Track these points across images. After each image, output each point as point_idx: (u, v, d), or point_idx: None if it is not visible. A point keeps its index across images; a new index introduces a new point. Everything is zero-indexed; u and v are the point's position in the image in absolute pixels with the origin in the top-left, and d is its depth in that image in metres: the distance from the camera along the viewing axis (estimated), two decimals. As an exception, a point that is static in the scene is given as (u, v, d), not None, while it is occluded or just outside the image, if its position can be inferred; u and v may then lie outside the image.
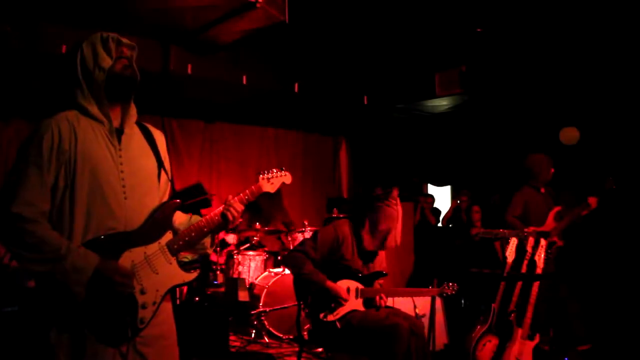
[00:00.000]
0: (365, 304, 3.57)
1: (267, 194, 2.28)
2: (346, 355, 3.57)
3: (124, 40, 1.99)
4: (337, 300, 3.47)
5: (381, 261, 3.80)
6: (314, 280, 3.48)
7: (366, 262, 3.68)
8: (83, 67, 1.93)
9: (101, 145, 1.91)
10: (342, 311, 3.49)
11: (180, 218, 2.14)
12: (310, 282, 3.50)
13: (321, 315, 3.47)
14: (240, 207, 2.11)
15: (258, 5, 4.06)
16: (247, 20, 4.41)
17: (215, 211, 2.11)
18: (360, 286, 3.57)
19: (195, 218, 2.14)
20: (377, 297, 3.57)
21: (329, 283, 3.48)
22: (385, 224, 3.58)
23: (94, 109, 1.93)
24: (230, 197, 2.14)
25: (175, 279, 2.01)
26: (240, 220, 2.17)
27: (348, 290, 3.54)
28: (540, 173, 4.89)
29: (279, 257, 5.99)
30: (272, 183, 2.28)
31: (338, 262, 3.59)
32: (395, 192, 3.71)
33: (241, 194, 2.17)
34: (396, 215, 3.63)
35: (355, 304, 3.53)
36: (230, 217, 2.08)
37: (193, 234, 2.05)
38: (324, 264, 3.58)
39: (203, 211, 2.19)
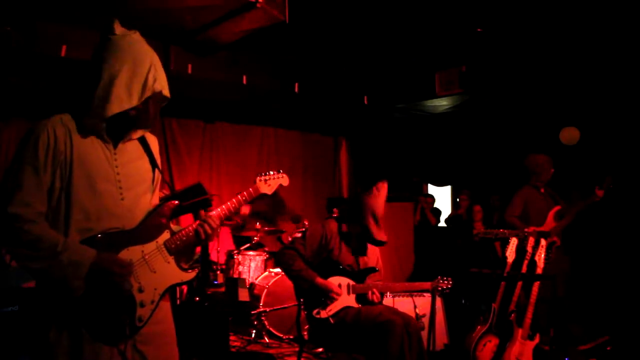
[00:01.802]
0: (359, 300, 3.58)
1: (270, 196, 2.32)
2: (345, 355, 3.58)
3: (164, 92, 1.93)
4: (328, 296, 3.49)
5: (374, 256, 3.80)
6: (303, 276, 3.52)
7: (357, 257, 3.69)
8: (107, 87, 1.85)
9: (96, 148, 1.92)
10: (334, 308, 3.50)
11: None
12: (300, 279, 3.54)
13: (314, 312, 3.49)
14: (215, 224, 2.08)
15: (258, 5, 4.06)
16: (247, 20, 4.41)
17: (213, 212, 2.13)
18: (352, 282, 3.59)
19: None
20: (370, 293, 3.58)
21: (319, 280, 3.50)
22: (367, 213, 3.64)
23: (92, 120, 1.89)
24: (202, 213, 2.12)
25: (174, 278, 2.02)
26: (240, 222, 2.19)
27: (339, 286, 3.55)
28: (541, 173, 4.90)
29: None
30: (269, 185, 2.33)
31: (329, 259, 3.63)
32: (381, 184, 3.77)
33: (239, 196, 2.21)
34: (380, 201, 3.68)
35: (347, 300, 3.55)
36: (202, 235, 2.05)
37: (191, 234, 2.06)
38: (315, 261, 3.61)
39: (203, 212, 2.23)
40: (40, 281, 1.85)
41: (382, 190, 3.71)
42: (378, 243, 3.72)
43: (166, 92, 1.95)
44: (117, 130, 1.95)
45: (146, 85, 1.88)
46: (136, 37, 1.94)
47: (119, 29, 1.92)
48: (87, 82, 1.88)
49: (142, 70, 1.87)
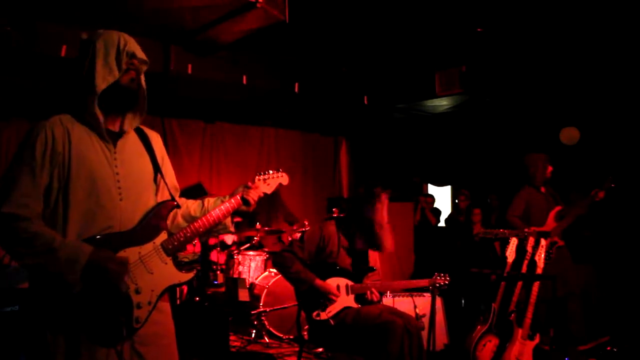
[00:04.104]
0: (358, 300, 3.58)
1: (267, 195, 2.31)
2: (345, 355, 3.58)
3: (138, 54, 1.98)
4: (327, 298, 3.48)
5: (373, 256, 3.79)
6: (302, 279, 3.50)
7: (355, 260, 3.68)
8: (90, 71, 1.92)
9: (96, 148, 1.93)
10: (334, 309, 3.50)
11: (193, 205, 2.18)
12: (298, 281, 3.53)
13: (314, 314, 3.49)
14: (257, 194, 2.24)
15: (258, 5, 4.05)
16: (247, 20, 4.40)
17: (212, 211, 2.13)
18: (350, 283, 3.58)
19: (208, 202, 2.17)
20: (368, 292, 3.58)
21: (318, 281, 3.50)
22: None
23: (91, 113, 1.92)
24: (250, 183, 2.26)
25: (171, 279, 2.02)
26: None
27: (338, 287, 3.54)
28: (536, 172, 4.91)
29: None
30: (268, 184, 2.32)
31: (326, 261, 3.61)
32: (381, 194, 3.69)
33: (237, 195, 2.21)
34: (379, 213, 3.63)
35: (347, 300, 3.54)
36: (252, 201, 2.21)
37: (189, 234, 2.06)
38: (313, 263, 3.60)
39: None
40: (36, 278, 1.85)
41: (384, 201, 3.69)
42: (380, 248, 3.69)
43: (140, 54, 1.99)
44: (117, 109, 1.97)
45: (119, 52, 1.94)
46: (101, 30, 2.01)
47: (85, 34, 2.01)
48: (77, 81, 1.95)
49: (112, 42, 1.94)
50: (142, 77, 2.02)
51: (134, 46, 1.98)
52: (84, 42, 1.97)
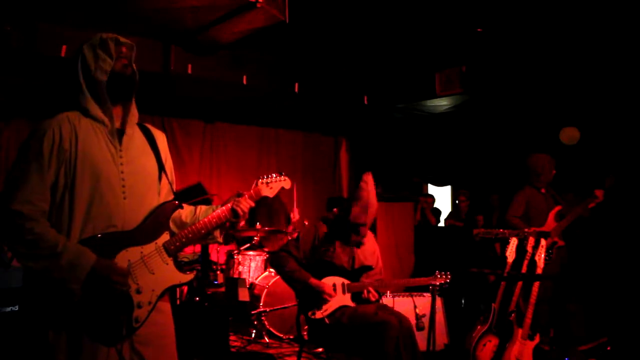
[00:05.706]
0: (354, 299, 3.58)
1: (269, 198, 2.31)
2: (343, 355, 3.58)
3: (123, 40, 2.00)
4: (322, 297, 3.48)
5: (374, 256, 3.79)
6: (297, 278, 3.51)
7: (352, 254, 3.67)
8: (84, 69, 1.95)
9: (102, 146, 1.93)
10: (329, 308, 3.50)
11: (185, 211, 2.17)
12: (293, 280, 3.54)
13: (309, 313, 3.49)
14: (248, 204, 2.17)
15: (258, 5, 4.06)
16: (247, 20, 4.41)
17: (214, 213, 2.13)
18: (347, 281, 3.58)
19: (200, 210, 2.16)
20: (365, 292, 3.57)
21: (313, 280, 3.50)
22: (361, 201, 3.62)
23: (96, 110, 1.94)
24: (245, 192, 2.22)
25: (172, 280, 2.02)
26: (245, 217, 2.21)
27: (334, 286, 3.54)
28: (542, 173, 4.87)
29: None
30: (271, 187, 2.31)
31: (322, 259, 3.61)
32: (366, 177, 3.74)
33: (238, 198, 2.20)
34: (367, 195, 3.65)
35: (343, 299, 3.54)
36: (240, 212, 2.14)
37: (190, 236, 2.07)
38: (309, 262, 3.61)
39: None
40: (34, 279, 1.85)
41: (369, 182, 3.69)
42: (355, 226, 3.64)
43: (123, 39, 2.02)
44: (117, 100, 1.98)
45: (104, 41, 1.97)
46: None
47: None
48: (76, 85, 1.97)
49: (95, 39, 1.98)
50: (134, 64, 2.04)
51: (113, 34, 2.01)
52: (73, 54, 2.01)
